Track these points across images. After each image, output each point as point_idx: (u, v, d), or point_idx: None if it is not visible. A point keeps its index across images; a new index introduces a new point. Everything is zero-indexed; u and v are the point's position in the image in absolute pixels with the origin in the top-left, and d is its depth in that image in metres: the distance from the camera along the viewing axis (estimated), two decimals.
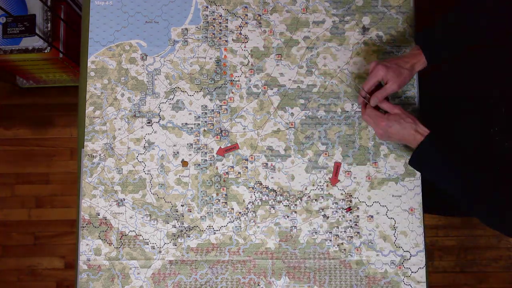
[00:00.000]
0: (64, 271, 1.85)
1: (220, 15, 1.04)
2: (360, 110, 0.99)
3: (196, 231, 0.97)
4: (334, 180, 0.98)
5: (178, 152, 0.99)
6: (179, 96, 1.01)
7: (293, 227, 0.97)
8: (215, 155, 0.99)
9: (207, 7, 1.04)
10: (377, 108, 0.90)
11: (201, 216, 0.97)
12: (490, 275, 1.81)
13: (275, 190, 0.98)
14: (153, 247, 0.97)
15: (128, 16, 1.04)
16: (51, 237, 1.86)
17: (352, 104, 1.00)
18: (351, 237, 0.96)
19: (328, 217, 0.97)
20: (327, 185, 0.98)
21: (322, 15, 1.03)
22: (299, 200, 0.97)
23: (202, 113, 1.01)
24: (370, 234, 0.96)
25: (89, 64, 1.03)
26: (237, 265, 0.96)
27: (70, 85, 1.85)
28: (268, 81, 1.01)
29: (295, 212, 0.97)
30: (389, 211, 0.97)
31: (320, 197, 0.97)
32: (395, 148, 0.98)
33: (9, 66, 1.64)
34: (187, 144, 1.00)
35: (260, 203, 0.98)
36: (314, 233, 0.97)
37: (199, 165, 0.99)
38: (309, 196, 0.97)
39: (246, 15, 1.03)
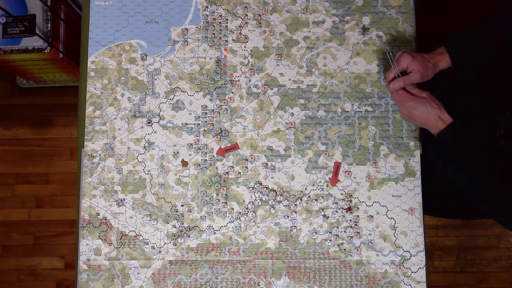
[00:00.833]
0: (64, 271, 1.84)
1: (220, 15, 1.04)
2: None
3: (196, 231, 0.97)
4: (334, 180, 0.98)
5: (178, 152, 0.99)
6: (179, 96, 1.01)
7: (293, 227, 0.97)
8: (215, 155, 0.99)
9: (207, 7, 1.04)
10: None
11: (201, 216, 0.97)
12: (490, 275, 1.81)
13: (275, 190, 0.98)
14: (153, 247, 0.97)
15: (128, 16, 1.04)
16: (51, 237, 1.86)
17: (352, 104, 1.00)
18: (351, 237, 0.96)
19: (328, 217, 0.97)
20: (327, 185, 0.98)
21: (322, 15, 1.03)
22: (299, 200, 0.97)
23: (202, 113, 1.01)
24: (370, 234, 0.96)
25: (89, 64, 1.03)
26: (237, 265, 0.96)
27: (70, 85, 1.84)
28: (268, 81, 1.01)
29: (295, 212, 0.97)
30: (389, 211, 0.97)
31: (320, 197, 0.97)
32: (395, 148, 0.99)
33: (9, 66, 1.63)
34: (187, 144, 1.00)
35: (260, 203, 0.98)
36: (314, 233, 0.97)
37: (199, 165, 0.99)
38: (309, 196, 0.97)
39: (246, 15, 1.03)
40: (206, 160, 0.99)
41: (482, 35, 0.90)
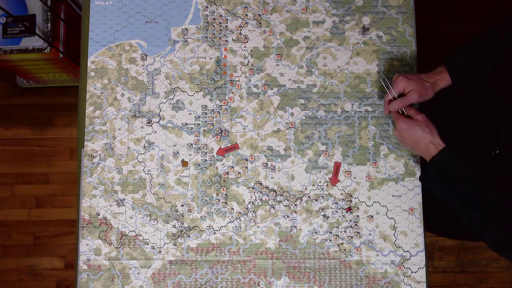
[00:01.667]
0: (64, 271, 1.84)
1: (220, 15, 1.04)
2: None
3: (196, 231, 0.97)
4: (334, 180, 0.98)
5: (178, 152, 0.99)
6: (179, 96, 1.01)
7: (293, 227, 0.97)
8: (215, 155, 0.99)
9: (207, 7, 1.04)
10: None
11: (201, 216, 0.97)
12: (490, 275, 1.81)
13: (275, 190, 0.98)
14: (153, 247, 0.97)
15: (128, 16, 1.04)
16: (51, 237, 1.86)
17: (352, 104, 1.00)
18: (351, 237, 0.96)
19: (328, 217, 0.97)
20: (327, 185, 0.98)
21: (322, 15, 1.03)
22: (299, 200, 0.97)
23: (202, 113, 1.01)
24: (370, 234, 0.96)
25: (89, 64, 1.03)
26: (237, 265, 0.96)
27: (70, 85, 1.84)
28: (268, 81, 1.01)
29: (295, 212, 0.97)
30: (389, 211, 0.97)
31: (320, 197, 0.97)
32: (395, 148, 0.99)
33: (9, 66, 1.63)
34: (187, 144, 1.00)
35: (260, 203, 0.98)
36: (314, 233, 0.97)
37: (199, 165, 0.99)
38: (309, 196, 0.97)
39: (246, 15, 1.03)
40: (206, 160, 0.99)
41: (482, 53, 0.88)
